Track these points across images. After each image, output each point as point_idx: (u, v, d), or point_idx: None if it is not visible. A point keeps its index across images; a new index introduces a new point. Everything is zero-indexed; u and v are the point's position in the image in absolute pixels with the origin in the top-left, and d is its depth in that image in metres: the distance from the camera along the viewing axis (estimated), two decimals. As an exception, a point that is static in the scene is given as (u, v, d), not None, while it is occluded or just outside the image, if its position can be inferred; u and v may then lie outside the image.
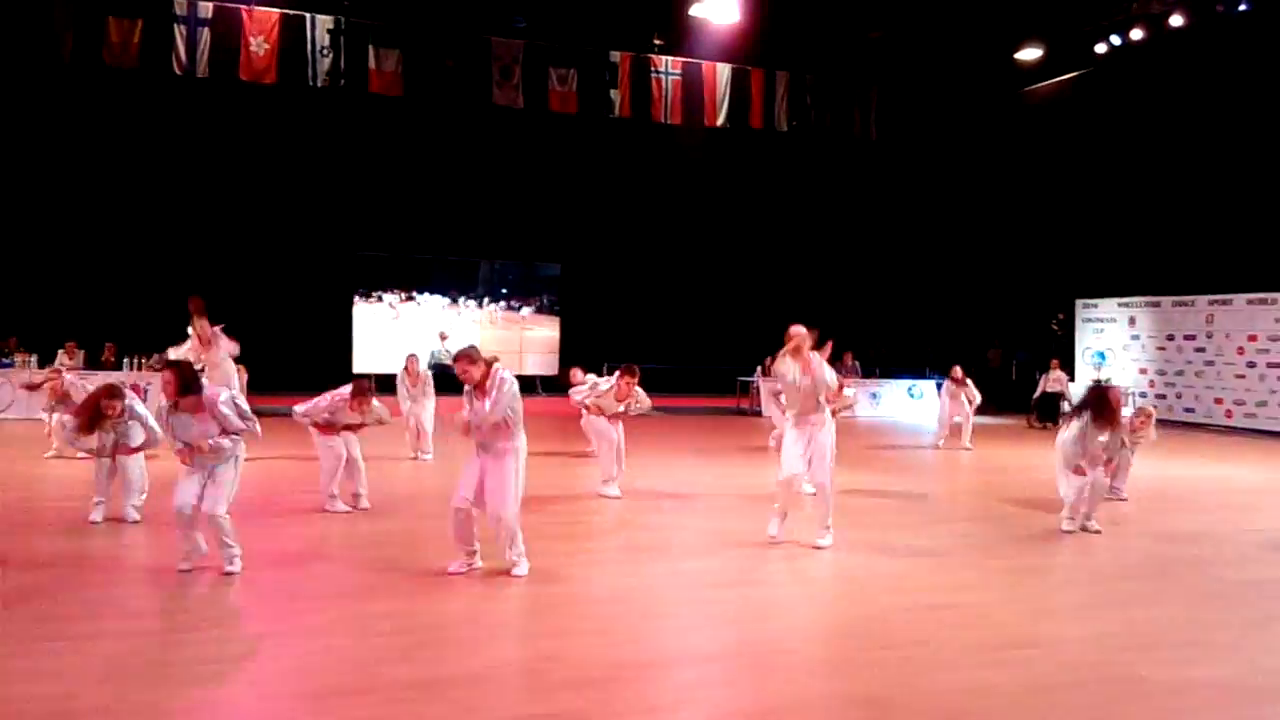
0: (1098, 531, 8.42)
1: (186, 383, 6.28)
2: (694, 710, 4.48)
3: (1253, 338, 18.23)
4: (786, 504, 7.76)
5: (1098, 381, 9.63)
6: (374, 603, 5.82)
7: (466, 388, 6.38)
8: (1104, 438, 8.38)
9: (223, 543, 6.32)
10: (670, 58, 21.73)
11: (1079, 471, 8.33)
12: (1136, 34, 19.21)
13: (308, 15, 19.20)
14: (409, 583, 6.28)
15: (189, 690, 4.44)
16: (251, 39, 18.82)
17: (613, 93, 21.46)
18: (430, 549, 7.07)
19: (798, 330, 7.66)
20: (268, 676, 4.66)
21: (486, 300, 22.85)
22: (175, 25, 18.54)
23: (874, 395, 20.95)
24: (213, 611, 5.63)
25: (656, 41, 21.53)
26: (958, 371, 15.16)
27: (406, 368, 12.64)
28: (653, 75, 21.73)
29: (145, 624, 5.36)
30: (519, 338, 22.92)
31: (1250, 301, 18.33)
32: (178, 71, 18.62)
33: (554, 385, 22.23)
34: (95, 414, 7.54)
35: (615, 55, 21.46)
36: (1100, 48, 20.16)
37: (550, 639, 5.26)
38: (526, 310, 22.96)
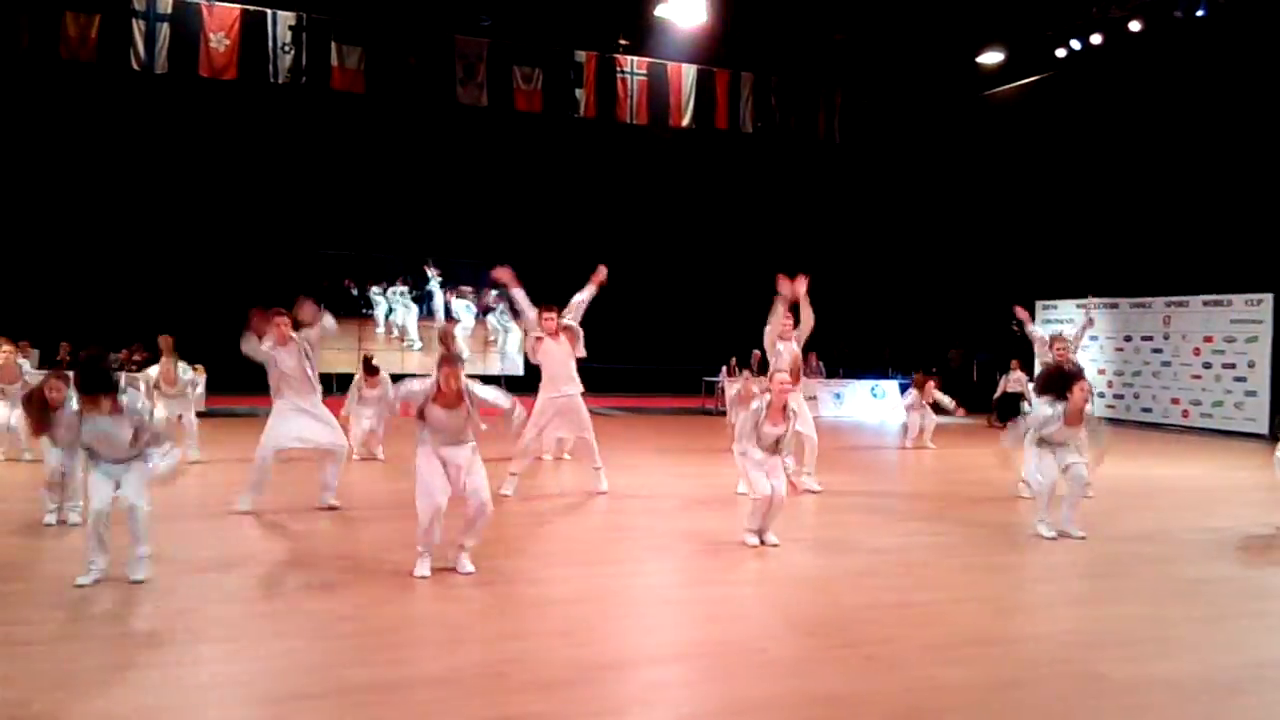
0: (1081, 537, 8.10)
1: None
2: (656, 711, 4.47)
3: (1208, 339, 18.51)
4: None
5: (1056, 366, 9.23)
6: (332, 605, 5.76)
7: (428, 387, 6.42)
8: (1049, 410, 8.14)
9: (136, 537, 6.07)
10: (636, 58, 21.73)
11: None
12: (1096, 39, 19.45)
13: (269, 11, 19.01)
14: (368, 585, 6.22)
15: (144, 696, 4.37)
16: (211, 35, 18.59)
17: (578, 92, 21.43)
18: (388, 550, 7.01)
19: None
20: (225, 681, 4.59)
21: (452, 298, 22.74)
22: (133, 20, 18.27)
23: (837, 395, 21.06)
24: (168, 615, 5.53)
25: (622, 42, 21.52)
26: (929, 387, 15.31)
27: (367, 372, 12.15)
28: (618, 75, 21.72)
29: (100, 629, 5.27)
30: (484, 336, 22.85)
31: (1206, 303, 18.60)
32: (136, 67, 18.36)
33: (518, 385, 22.13)
34: (40, 404, 7.13)
35: (581, 55, 21.43)
36: (1061, 52, 20.39)
37: (512, 641, 5.22)
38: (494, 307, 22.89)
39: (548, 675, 4.75)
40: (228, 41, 18.72)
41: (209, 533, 7.68)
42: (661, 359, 22.53)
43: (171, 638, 5.12)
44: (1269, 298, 17.41)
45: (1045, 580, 7.12)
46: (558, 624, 5.56)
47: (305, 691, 4.46)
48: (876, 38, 21.31)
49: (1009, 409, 18.62)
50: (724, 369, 20.84)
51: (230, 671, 4.70)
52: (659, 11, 19.02)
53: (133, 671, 4.63)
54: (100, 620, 5.39)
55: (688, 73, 22.06)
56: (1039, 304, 22.28)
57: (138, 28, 18.31)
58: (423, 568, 6.35)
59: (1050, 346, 10.36)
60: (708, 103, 22.32)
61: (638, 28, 20.84)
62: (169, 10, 18.39)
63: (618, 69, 21.71)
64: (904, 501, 10.33)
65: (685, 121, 22.23)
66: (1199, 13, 17.65)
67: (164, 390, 10.95)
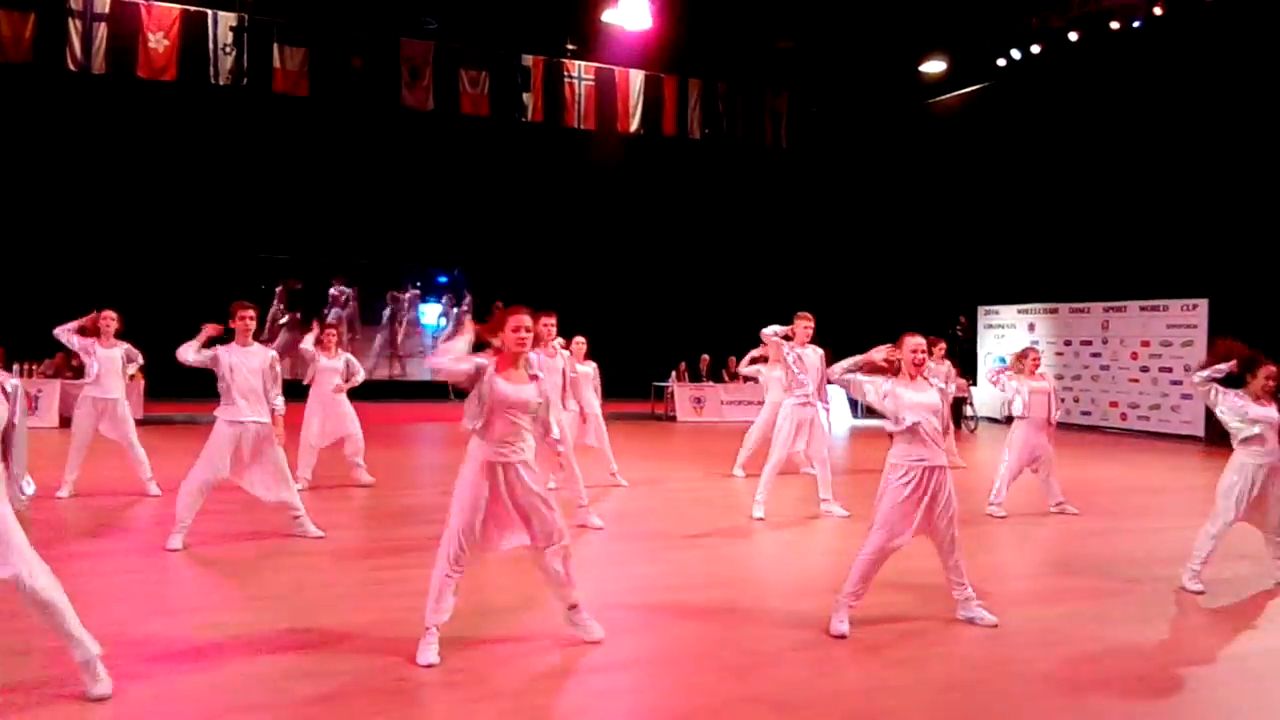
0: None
1: None
2: (607, 717, 4.46)
3: (1145, 343, 18.90)
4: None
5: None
6: (277, 619, 5.67)
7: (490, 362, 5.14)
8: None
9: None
10: (583, 63, 21.69)
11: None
12: (1035, 49, 19.80)
13: (209, 11, 18.66)
14: (311, 596, 6.14)
15: (83, 712, 4.26)
16: (150, 35, 18.22)
17: (525, 97, 21.33)
18: (326, 562, 6.92)
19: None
20: (167, 695, 4.49)
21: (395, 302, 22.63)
22: (70, 20, 17.82)
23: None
24: (108, 628, 5.40)
25: (569, 46, 21.48)
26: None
27: (320, 340, 10.52)
28: (565, 80, 21.65)
29: (35, 640, 5.12)
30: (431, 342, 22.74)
31: (1143, 309, 19.00)
32: (72, 68, 17.91)
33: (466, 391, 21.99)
34: None
35: (528, 59, 21.34)
36: (1001, 62, 20.72)
37: (461, 650, 5.16)
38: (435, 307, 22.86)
39: (497, 684, 4.71)
40: (167, 42, 18.35)
41: (134, 545, 7.53)
42: (609, 364, 22.47)
43: (106, 650, 4.99)
44: (1204, 303, 17.83)
45: (988, 581, 7.19)
46: (507, 632, 5.52)
47: (252, 704, 4.38)
48: (821, 46, 21.50)
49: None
50: (673, 373, 20.88)
51: (172, 686, 4.60)
52: (606, 17, 18.99)
53: (69, 686, 4.51)
54: (33, 632, 5.23)
55: (635, 78, 22.07)
56: (980, 309, 22.63)
57: (74, 27, 17.88)
58: (428, 653, 4.97)
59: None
60: (655, 108, 22.34)
61: (585, 33, 20.81)
62: (106, 10, 17.98)
63: (565, 74, 21.64)
64: (852, 504, 10.39)
65: (633, 127, 22.23)
66: (1135, 24, 18.03)
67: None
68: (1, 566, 4.18)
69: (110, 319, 9.53)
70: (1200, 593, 6.70)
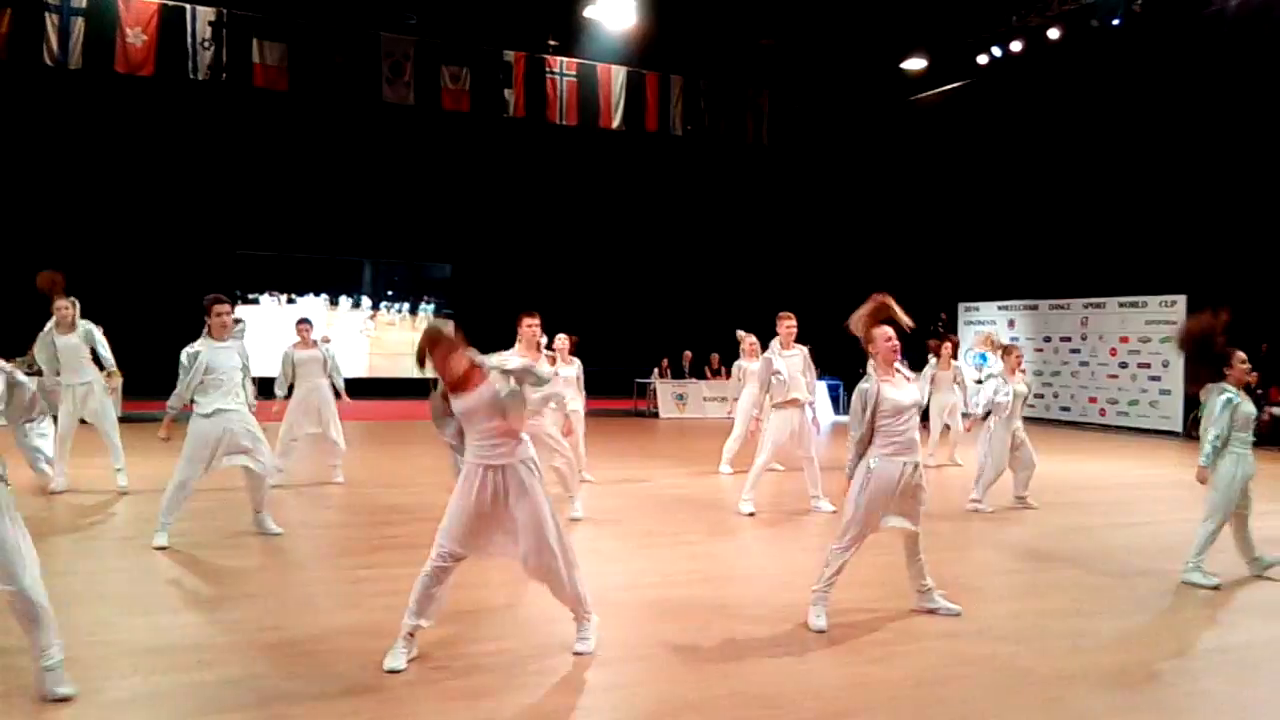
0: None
1: None
2: (592, 714, 4.45)
3: (1124, 339, 19.04)
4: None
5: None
6: (256, 618, 5.64)
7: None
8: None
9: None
10: (565, 59, 21.64)
11: None
12: (1016, 46, 19.90)
13: (188, 6, 18.52)
14: (291, 595, 6.11)
15: (60, 715, 4.22)
16: (128, 30, 18.06)
17: (507, 92, 21.26)
18: (307, 561, 6.89)
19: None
20: (144, 695, 4.46)
21: (373, 302, 22.55)
22: (46, 14, 17.64)
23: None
24: (87, 627, 5.36)
25: (551, 42, 21.42)
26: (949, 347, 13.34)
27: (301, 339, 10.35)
28: (547, 76, 21.59)
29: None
30: (409, 340, 22.67)
31: (1122, 305, 19.14)
32: (49, 62, 17.73)
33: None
34: None
35: (509, 55, 21.27)
36: (982, 59, 20.80)
37: (446, 646, 5.14)
38: (425, 309, 22.80)
39: (483, 681, 4.70)
40: (145, 37, 18.20)
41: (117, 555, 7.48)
42: (591, 361, 22.46)
43: (83, 653, 4.95)
44: (1182, 299, 17.96)
45: (969, 577, 7.23)
46: (493, 629, 5.50)
47: (228, 704, 4.35)
48: (803, 43, 21.53)
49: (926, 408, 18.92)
50: (655, 370, 20.89)
51: (148, 684, 4.57)
52: (588, 12, 18.97)
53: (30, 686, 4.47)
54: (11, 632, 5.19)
55: (617, 74, 22.03)
56: (961, 305, 22.73)
57: (51, 22, 17.69)
58: (396, 658, 4.82)
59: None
60: (638, 105, 22.31)
61: (567, 28, 20.77)
62: (84, 4, 17.81)
63: (547, 69, 21.58)
64: (834, 500, 10.42)
65: (615, 123, 22.20)
66: (1114, 22, 18.14)
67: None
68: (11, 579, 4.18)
69: (64, 308, 9.60)
70: (1216, 587, 6.74)
